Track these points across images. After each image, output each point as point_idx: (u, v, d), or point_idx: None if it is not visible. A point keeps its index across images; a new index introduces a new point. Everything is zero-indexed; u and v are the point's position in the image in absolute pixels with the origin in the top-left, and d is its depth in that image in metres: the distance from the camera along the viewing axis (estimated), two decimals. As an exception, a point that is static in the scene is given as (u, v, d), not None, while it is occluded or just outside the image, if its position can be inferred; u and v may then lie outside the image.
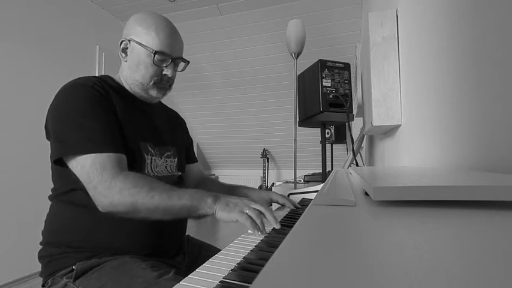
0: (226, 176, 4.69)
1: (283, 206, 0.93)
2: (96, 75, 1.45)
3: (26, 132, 2.20)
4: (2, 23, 2.09)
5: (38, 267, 0.76)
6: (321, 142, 1.61)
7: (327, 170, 1.80)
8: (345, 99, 1.40)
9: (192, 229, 2.66)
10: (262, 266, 0.20)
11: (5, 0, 2.10)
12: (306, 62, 2.24)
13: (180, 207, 0.67)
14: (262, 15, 2.90)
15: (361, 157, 2.28)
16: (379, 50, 0.93)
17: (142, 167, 0.78)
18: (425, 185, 0.25)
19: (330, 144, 2.77)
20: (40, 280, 0.76)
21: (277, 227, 0.64)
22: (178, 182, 0.91)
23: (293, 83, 1.86)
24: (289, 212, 0.86)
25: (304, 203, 0.99)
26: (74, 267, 0.70)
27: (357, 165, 1.57)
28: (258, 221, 0.62)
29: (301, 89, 1.63)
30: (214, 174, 4.85)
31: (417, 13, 0.72)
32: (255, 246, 0.55)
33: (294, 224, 0.31)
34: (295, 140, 1.90)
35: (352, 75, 1.51)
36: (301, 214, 0.53)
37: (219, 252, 0.52)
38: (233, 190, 0.97)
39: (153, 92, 0.83)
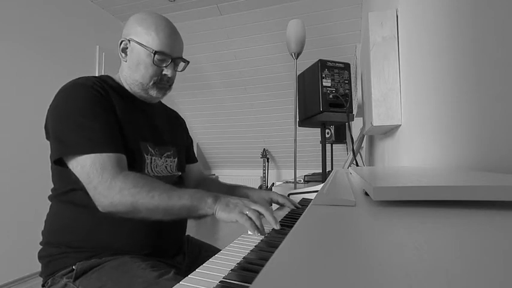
0: (226, 176, 4.69)
1: (283, 206, 0.93)
2: (96, 75, 1.45)
3: (26, 132, 2.20)
4: (2, 23, 2.09)
5: (38, 267, 0.76)
6: (321, 142, 1.61)
7: (327, 170, 1.80)
8: (345, 99, 1.40)
9: (192, 229, 2.65)
10: (262, 266, 0.20)
11: (5, 0, 2.10)
12: (306, 62, 2.24)
13: (180, 207, 0.67)
14: (262, 15, 2.90)
15: (361, 157, 2.28)
16: (379, 50, 0.93)
17: (142, 167, 0.78)
18: (425, 185, 0.25)
19: (330, 144, 2.77)
20: (40, 280, 0.76)
21: (277, 227, 0.64)
22: (178, 182, 0.91)
23: (293, 83, 1.86)
24: (289, 212, 0.86)
25: (304, 203, 0.99)
26: (74, 267, 0.70)
27: (357, 165, 1.57)
28: (257, 223, 0.62)
29: (301, 89, 1.63)
30: (214, 174, 4.85)
31: (417, 13, 0.72)
32: (255, 246, 0.55)
33: (294, 224, 0.31)
34: (295, 140, 1.90)
35: (352, 75, 1.52)
36: (301, 214, 0.53)
37: (219, 252, 0.52)
38: (233, 190, 0.97)
39: (153, 92, 0.83)
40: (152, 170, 0.81)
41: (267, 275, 0.13)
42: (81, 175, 0.68)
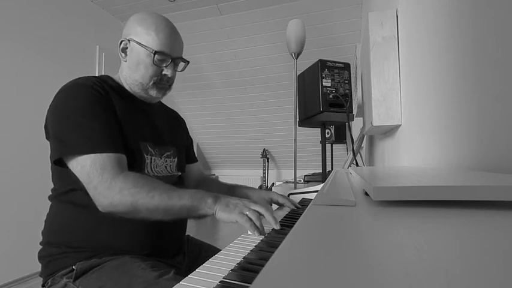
0: (226, 176, 4.69)
1: (283, 206, 0.93)
2: (96, 75, 1.45)
3: (26, 132, 2.20)
4: (2, 23, 2.09)
5: (38, 267, 0.76)
6: (321, 142, 1.61)
7: (327, 170, 1.80)
8: (345, 99, 1.40)
9: (192, 229, 2.65)
10: (262, 266, 0.20)
11: (5, 0, 2.10)
12: (306, 62, 2.24)
13: (180, 207, 0.67)
14: (262, 15, 2.90)
15: (361, 157, 2.28)
16: (379, 50, 0.93)
17: (142, 167, 0.78)
18: (425, 185, 0.25)
19: (330, 144, 2.77)
20: (40, 280, 0.76)
21: (277, 227, 0.64)
22: (178, 182, 0.91)
23: (293, 83, 1.86)
24: (289, 212, 0.86)
25: (304, 203, 0.99)
26: (74, 267, 0.70)
27: (357, 165, 1.57)
28: (257, 223, 0.62)
29: (301, 89, 1.63)
30: (214, 174, 4.85)
31: (417, 13, 0.72)
32: (255, 246, 0.55)
33: (294, 224, 0.31)
34: (295, 140, 1.90)
35: (352, 75, 1.52)
36: (301, 214, 0.53)
37: (219, 252, 0.52)
38: (233, 190, 0.97)
39: (153, 92, 0.83)
40: (152, 170, 0.81)
41: (267, 275, 0.13)
42: (81, 175, 0.68)
